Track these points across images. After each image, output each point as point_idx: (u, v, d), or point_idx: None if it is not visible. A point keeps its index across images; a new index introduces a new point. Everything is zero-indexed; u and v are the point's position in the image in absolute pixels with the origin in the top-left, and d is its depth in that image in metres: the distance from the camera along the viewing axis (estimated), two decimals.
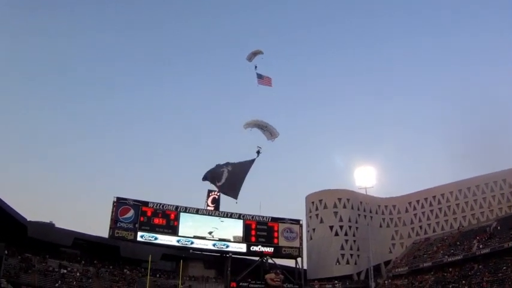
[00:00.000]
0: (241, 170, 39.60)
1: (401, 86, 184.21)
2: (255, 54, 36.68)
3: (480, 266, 64.01)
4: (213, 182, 39.96)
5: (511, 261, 59.95)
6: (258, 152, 47.11)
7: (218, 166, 39.28)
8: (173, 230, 68.09)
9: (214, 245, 70.33)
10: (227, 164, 39.99)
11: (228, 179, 38.59)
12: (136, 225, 65.51)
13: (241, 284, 69.76)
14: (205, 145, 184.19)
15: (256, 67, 37.88)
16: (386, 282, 77.40)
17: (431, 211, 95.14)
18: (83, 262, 62.93)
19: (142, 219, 66.28)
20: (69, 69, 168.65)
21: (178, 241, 67.98)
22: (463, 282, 62.13)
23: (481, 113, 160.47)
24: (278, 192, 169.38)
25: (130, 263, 67.24)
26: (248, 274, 72.35)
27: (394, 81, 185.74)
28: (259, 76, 38.09)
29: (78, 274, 59.19)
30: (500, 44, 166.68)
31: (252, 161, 44.70)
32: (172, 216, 69.09)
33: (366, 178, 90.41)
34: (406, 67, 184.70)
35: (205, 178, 40.48)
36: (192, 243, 68.89)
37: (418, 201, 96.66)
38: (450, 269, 68.11)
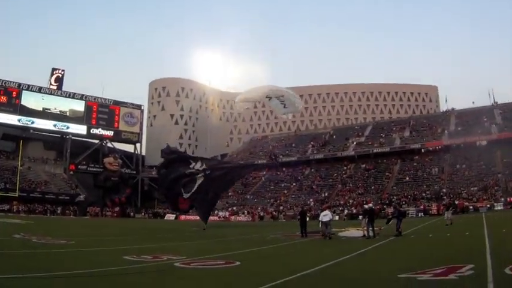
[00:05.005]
0: (225, 180, 35.25)
1: None
2: None
3: (312, 170, 70.93)
4: (174, 192, 33.49)
5: (341, 169, 67.75)
6: (274, 157, 43.02)
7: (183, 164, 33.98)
8: (14, 109, 70.17)
9: (54, 125, 73.88)
10: (196, 159, 36.27)
11: (201, 189, 32.99)
12: None
13: (79, 166, 75.69)
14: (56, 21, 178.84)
15: None
16: None
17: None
18: None
19: None
20: None
21: (19, 120, 70.52)
22: (294, 184, 68.33)
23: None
24: (123, 75, 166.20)
25: None
26: (87, 157, 78.12)
27: None
28: None
29: None
30: None
31: (250, 166, 46.14)
32: (15, 94, 70.55)
33: (212, 70, 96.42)
34: None
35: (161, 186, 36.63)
36: (32, 123, 71.74)
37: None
38: (284, 169, 74.12)
